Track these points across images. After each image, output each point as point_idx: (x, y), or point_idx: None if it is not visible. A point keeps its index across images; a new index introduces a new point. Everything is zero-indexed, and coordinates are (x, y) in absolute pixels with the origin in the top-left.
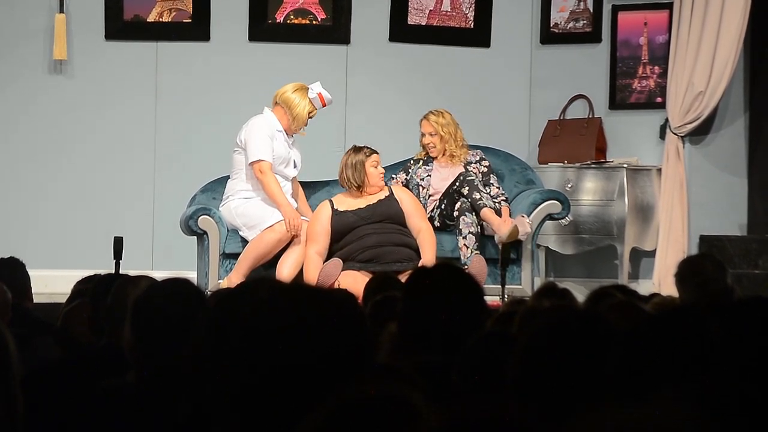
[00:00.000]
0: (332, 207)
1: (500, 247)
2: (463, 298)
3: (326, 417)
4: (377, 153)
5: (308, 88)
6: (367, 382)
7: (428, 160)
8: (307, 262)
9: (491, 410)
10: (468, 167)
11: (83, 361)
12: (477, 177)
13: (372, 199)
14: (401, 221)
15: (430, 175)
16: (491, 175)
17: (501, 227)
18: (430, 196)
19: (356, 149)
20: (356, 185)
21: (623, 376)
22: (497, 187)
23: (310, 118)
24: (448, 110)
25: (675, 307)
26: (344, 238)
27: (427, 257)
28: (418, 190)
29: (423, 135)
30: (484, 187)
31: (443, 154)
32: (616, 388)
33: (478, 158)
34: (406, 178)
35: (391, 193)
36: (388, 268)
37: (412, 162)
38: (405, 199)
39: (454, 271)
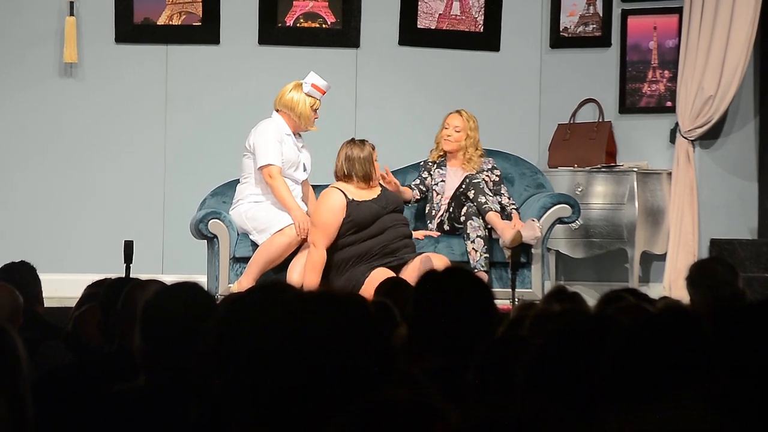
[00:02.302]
0: (346, 196)
1: (508, 251)
2: (473, 302)
3: (353, 419)
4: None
5: (302, 83)
6: (389, 386)
7: (441, 163)
8: (312, 263)
9: (515, 411)
10: (479, 175)
11: (93, 365)
12: (486, 183)
13: (377, 190)
14: (403, 208)
15: (444, 181)
16: (502, 185)
17: (504, 232)
18: (442, 200)
19: (361, 142)
20: (364, 178)
21: (623, 375)
22: (508, 197)
23: (316, 110)
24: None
25: (667, 307)
26: (367, 229)
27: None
28: (433, 194)
29: (446, 127)
30: (495, 196)
31: (463, 154)
32: (623, 389)
33: (490, 166)
34: (426, 179)
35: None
36: (401, 262)
37: (430, 164)
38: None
39: (464, 274)
